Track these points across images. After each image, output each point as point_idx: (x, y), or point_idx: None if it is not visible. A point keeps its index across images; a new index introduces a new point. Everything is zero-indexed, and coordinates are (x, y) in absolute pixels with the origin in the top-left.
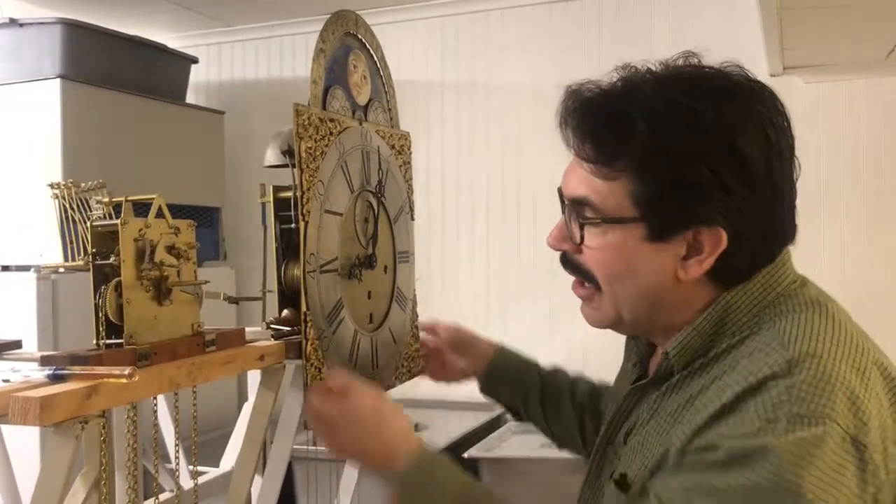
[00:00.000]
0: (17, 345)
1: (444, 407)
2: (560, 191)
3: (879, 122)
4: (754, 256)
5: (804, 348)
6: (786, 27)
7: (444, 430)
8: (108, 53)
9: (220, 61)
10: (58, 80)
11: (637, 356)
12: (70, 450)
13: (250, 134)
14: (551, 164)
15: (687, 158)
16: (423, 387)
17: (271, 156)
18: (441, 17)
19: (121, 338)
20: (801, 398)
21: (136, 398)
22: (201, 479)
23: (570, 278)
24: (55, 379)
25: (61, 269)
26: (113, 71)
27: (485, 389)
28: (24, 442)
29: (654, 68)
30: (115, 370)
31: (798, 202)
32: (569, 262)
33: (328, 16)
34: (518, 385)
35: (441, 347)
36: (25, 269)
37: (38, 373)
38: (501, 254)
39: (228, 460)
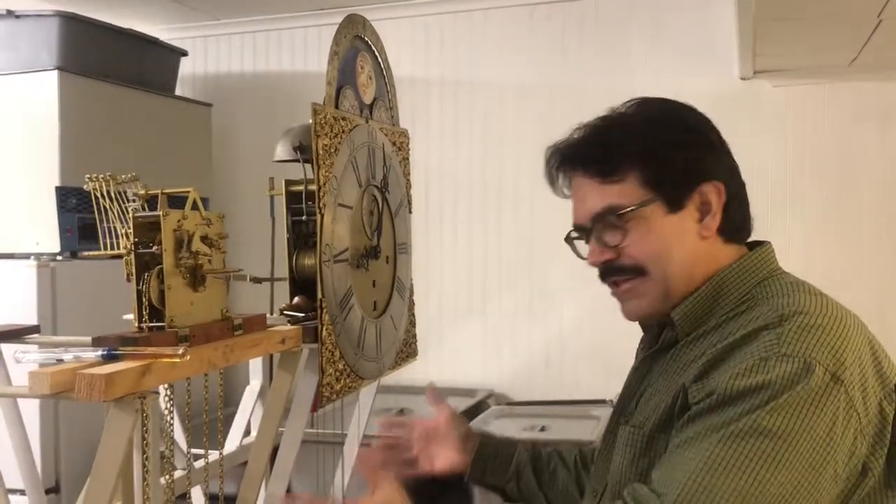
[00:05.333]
0: (35, 330)
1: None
2: (576, 228)
3: (842, 123)
4: (744, 214)
5: (794, 308)
6: (759, 36)
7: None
8: (103, 46)
9: (206, 54)
10: (55, 71)
11: (648, 342)
12: (131, 422)
13: (237, 127)
14: (532, 159)
15: (668, 135)
16: (405, 372)
17: (281, 151)
18: (425, 15)
19: (160, 321)
20: (787, 342)
21: (182, 376)
22: (207, 460)
23: (549, 268)
24: (109, 358)
25: (58, 259)
26: (107, 63)
27: (474, 473)
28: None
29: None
30: (168, 350)
31: (764, 198)
32: (611, 270)
33: (314, 11)
34: (509, 461)
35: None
36: (25, 257)
37: (91, 353)
38: (483, 246)
39: (233, 441)
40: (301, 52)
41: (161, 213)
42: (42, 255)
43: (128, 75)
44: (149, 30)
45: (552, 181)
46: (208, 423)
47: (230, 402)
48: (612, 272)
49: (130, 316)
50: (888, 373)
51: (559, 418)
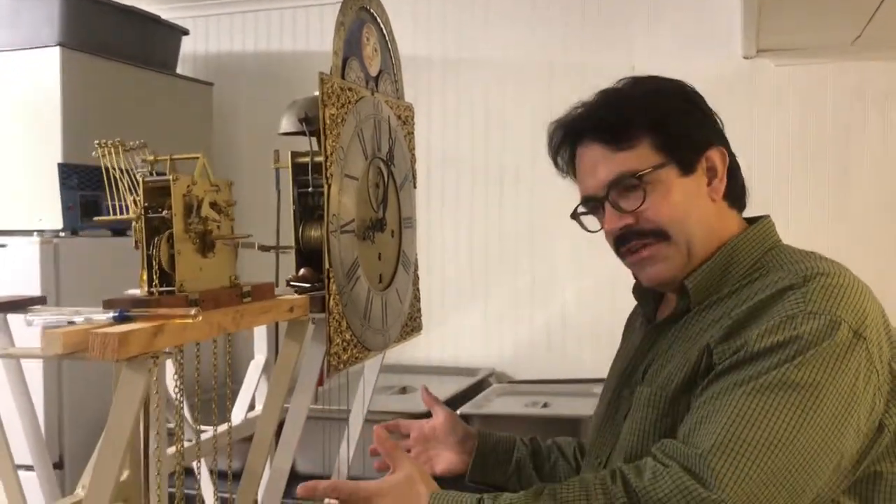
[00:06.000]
0: (41, 301)
1: (427, 372)
2: (585, 200)
3: (844, 103)
4: (742, 182)
5: (816, 270)
6: (764, 12)
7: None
8: (105, 22)
9: (206, 33)
10: (57, 47)
11: (644, 316)
12: (144, 382)
13: (238, 106)
14: (533, 138)
15: (672, 103)
16: (407, 352)
17: (287, 123)
18: None
19: (170, 286)
20: (813, 300)
21: (193, 338)
22: (216, 430)
23: (550, 246)
24: (121, 320)
25: (61, 236)
26: (109, 40)
27: (474, 473)
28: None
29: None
30: (180, 311)
31: (767, 176)
32: (630, 235)
33: None
34: (508, 458)
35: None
36: (28, 233)
37: (101, 315)
38: (484, 225)
39: (238, 415)
40: (303, 32)
41: (171, 177)
42: (44, 231)
43: (130, 53)
44: (150, 8)
45: (556, 157)
46: (216, 398)
47: (233, 380)
48: (632, 237)
49: (134, 291)
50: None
51: (561, 396)
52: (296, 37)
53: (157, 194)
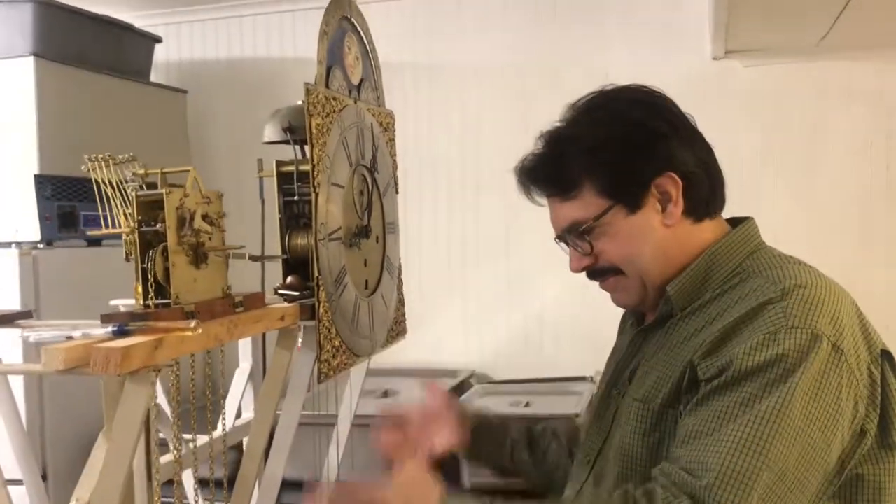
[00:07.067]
0: (28, 315)
1: (409, 375)
2: (557, 237)
3: (810, 102)
4: (711, 189)
5: (793, 282)
6: (733, 16)
7: (412, 396)
8: (78, 32)
9: (179, 41)
10: (31, 58)
11: (633, 317)
12: (146, 395)
13: (212, 113)
14: (508, 139)
15: (614, 139)
16: (390, 355)
17: (270, 132)
18: None
19: (165, 299)
20: (794, 315)
21: (191, 350)
22: (203, 441)
23: (526, 249)
24: (120, 334)
25: (39, 247)
26: (82, 50)
27: (472, 452)
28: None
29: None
30: (180, 324)
31: (736, 177)
32: (595, 273)
33: None
34: (503, 439)
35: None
36: (6, 245)
37: (99, 329)
38: (461, 230)
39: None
40: (276, 39)
41: (164, 190)
42: (22, 243)
43: (103, 62)
44: (122, 16)
45: (527, 195)
46: (210, 405)
47: (216, 389)
48: (594, 275)
49: (117, 301)
50: (874, 339)
51: (542, 395)
52: (269, 44)
53: (150, 207)
